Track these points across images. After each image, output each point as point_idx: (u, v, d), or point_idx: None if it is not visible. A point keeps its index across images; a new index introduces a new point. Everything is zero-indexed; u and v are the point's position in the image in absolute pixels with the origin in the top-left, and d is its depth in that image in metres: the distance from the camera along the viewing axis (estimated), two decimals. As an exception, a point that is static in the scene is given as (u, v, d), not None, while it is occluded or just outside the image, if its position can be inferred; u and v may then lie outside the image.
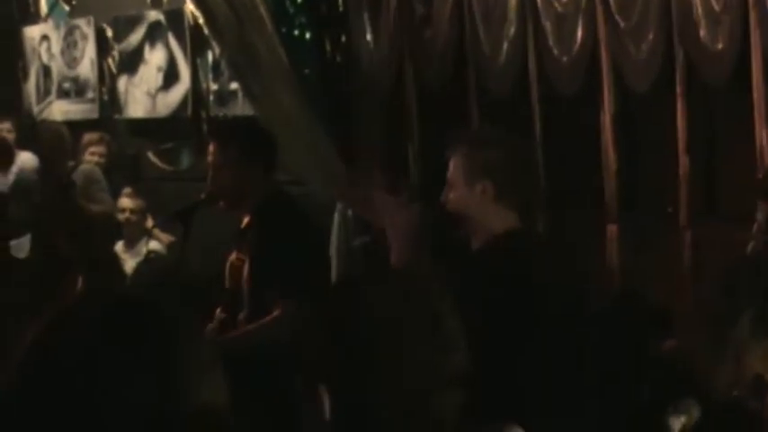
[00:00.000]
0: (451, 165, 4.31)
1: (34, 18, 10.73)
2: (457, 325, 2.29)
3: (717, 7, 5.67)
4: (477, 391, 2.29)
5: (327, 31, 7.23)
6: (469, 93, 6.93)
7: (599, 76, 6.27)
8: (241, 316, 5.11)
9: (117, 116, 9.91)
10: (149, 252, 7.91)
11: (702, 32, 5.74)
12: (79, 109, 10.28)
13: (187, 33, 9.04)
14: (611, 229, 6.32)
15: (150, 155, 9.74)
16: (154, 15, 9.44)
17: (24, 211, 7.79)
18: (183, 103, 9.23)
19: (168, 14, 9.28)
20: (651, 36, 5.99)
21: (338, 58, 7.26)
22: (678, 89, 5.97)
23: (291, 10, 7.13)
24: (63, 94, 10.43)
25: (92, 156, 9.20)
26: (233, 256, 5.21)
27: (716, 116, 6.14)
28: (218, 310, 5.19)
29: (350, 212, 7.22)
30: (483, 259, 4.24)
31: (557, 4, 6.37)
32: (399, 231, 4.41)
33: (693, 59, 5.87)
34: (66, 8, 10.40)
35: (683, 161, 6.02)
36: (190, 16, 8.71)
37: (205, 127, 8.94)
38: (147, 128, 9.69)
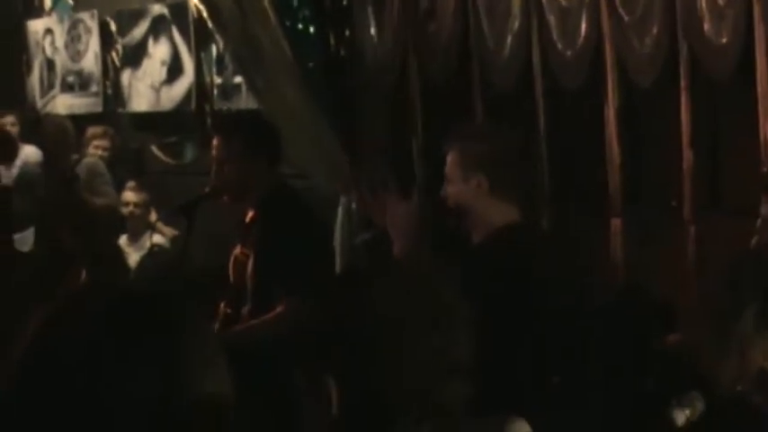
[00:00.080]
0: (448, 160, 4.33)
1: (38, 12, 10.74)
2: (461, 317, 2.29)
3: (721, 1, 5.66)
4: (480, 384, 2.29)
5: (331, 24, 7.23)
6: (473, 86, 6.93)
7: (603, 69, 6.26)
8: (245, 310, 5.11)
9: (121, 110, 9.91)
10: (153, 246, 7.91)
11: (706, 26, 5.73)
12: (83, 102, 10.28)
13: (191, 27, 9.03)
14: (615, 222, 6.32)
15: (154, 148, 9.74)
16: (158, 9, 9.44)
17: (28, 204, 7.81)
18: (187, 96, 9.23)
19: (172, 8, 9.28)
20: (655, 30, 5.98)
21: (342, 52, 7.26)
22: (682, 83, 5.96)
23: (295, 3, 7.12)
24: (67, 87, 10.43)
25: (95, 149, 9.21)
26: (237, 251, 5.21)
27: (720, 110, 6.13)
28: (222, 305, 5.19)
29: (354, 206, 7.22)
30: (483, 253, 4.25)
31: (561, -2, 6.38)
32: (400, 226, 4.42)
33: (697, 53, 5.86)
34: (70, 2, 10.41)
35: (687, 155, 6.01)
36: (194, 10, 8.69)
37: (209, 121, 8.94)
38: (150, 121, 9.69)
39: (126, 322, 1.65)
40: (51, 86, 10.59)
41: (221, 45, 8.41)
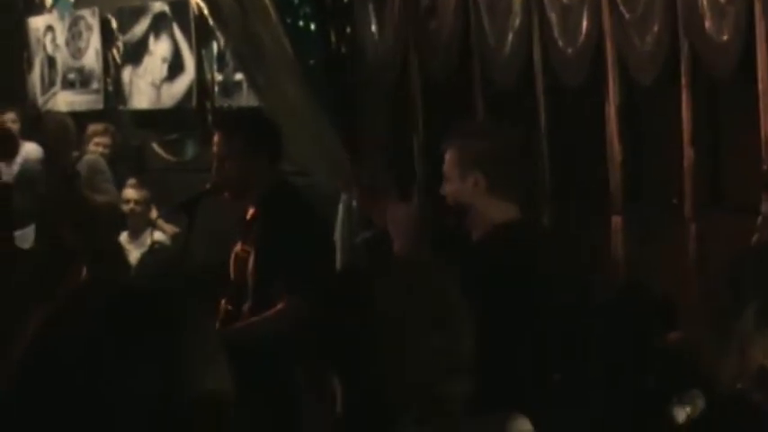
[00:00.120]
0: (446, 158, 4.32)
1: (39, 9, 10.73)
2: (461, 316, 2.29)
3: (722, -1, 5.67)
4: (481, 382, 2.29)
5: (332, 21, 7.23)
6: (474, 84, 6.93)
7: (604, 67, 6.26)
8: (245, 307, 5.10)
9: (122, 107, 9.91)
10: (154, 243, 7.91)
11: (707, 24, 5.73)
12: (84, 100, 10.28)
13: (192, 24, 9.04)
14: (616, 220, 6.32)
15: (155, 146, 9.74)
16: (158, 6, 9.44)
17: (29, 201, 7.80)
18: (188, 93, 9.23)
19: (173, 5, 9.28)
20: (656, 27, 5.98)
21: (343, 49, 7.26)
22: (683, 81, 5.96)
23: (296, 0, 7.12)
24: (68, 84, 10.43)
25: (96, 146, 9.21)
26: (238, 248, 5.21)
27: (721, 108, 6.13)
28: (223, 302, 5.19)
29: (354, 203, 7.22)
30: (481, 250, 4.25)
31: (562, -4, 6.38)
32: (400, 225, 4.42)
33: (698, 51, 5.86)
34: (71, -1, 10.41)
35: (688, 152, 6.01)
36: (194, 7, 8.69)
37: (210, 118, 8.94)
38: (151, 119, 9.69)
39: (127, 319, 1.65)
40: (52, 83, 10.58)
41: (222, 42, 8.41)
